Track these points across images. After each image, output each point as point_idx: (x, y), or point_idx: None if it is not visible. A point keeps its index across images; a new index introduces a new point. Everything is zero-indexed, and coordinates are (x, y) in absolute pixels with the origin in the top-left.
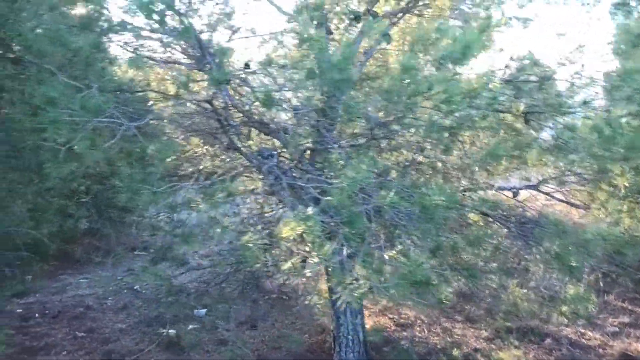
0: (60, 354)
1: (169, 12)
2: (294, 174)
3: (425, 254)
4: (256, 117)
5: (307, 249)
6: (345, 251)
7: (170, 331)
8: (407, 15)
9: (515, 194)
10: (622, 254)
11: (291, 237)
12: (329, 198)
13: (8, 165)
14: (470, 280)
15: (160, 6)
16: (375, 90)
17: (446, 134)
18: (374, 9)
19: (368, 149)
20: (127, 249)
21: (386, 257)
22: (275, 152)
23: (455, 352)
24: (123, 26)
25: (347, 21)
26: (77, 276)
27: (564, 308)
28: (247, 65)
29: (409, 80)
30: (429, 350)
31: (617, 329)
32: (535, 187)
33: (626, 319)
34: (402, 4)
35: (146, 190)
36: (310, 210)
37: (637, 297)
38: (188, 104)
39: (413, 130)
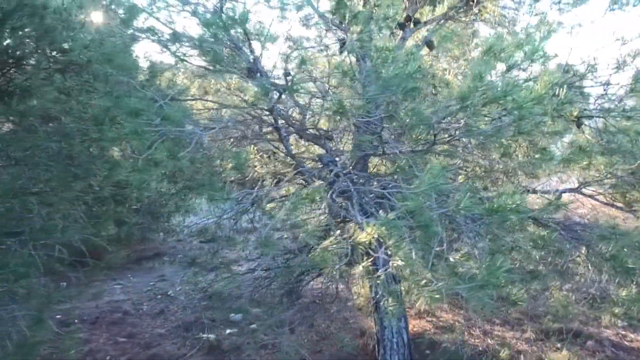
0: (104, 359)
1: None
2: (359, 180)
3: (486, 256)
4: (309, 125)
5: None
6: (419, 254)
7: (209, 336)
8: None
9: (558, 197)
10: None
11: (368, 241)
12: (406, 203)
13: (68, 174)
14: (523, 283)
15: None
16: (444, 97)
17: (507, 139)
18: (416, 16)
19: (425, 154)
20: (154, 255)
21: (452, 259)
22: (335, 159)
23: (503, 354)
24: (178, 38)
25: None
26: (110, 282)
27: (616, 310)
28: (287, 74)
29: (484, 87)
30: (471, 353)
31: None
32: (577, 190)
33: None
34: (442, 11)
35: (218, 197)
36: (391, 215)
37: None
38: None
39: (478, 135)
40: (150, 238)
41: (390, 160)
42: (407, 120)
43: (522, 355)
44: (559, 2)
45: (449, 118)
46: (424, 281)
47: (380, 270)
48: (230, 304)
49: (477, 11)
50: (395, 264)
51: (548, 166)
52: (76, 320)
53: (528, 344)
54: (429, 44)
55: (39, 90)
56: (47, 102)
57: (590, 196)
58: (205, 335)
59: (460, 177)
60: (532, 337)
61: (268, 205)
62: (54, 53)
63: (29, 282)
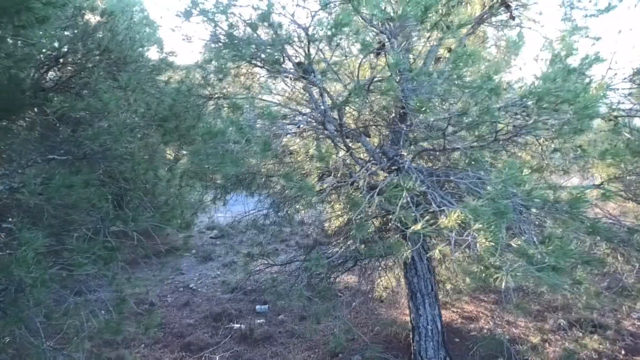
0: (139, 347)
1: None
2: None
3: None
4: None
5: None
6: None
7: (240, 325)
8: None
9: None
10: None
11: (453, 226)
12: (488, 190)
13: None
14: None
15: None
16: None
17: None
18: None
19: (483, 149)
20: (168, 250)
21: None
22: (401, 153)
23: (535, 340)
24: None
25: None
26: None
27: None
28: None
29: (555, 88)
30: (500, 341)
31: None
32: (599, 187)
33: None
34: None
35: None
36: (478, 202)
37: None
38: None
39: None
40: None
41: (442, 155)
42: (477, 118)
43: (546, 344)
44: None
45: (516, 116)
46: (500, 263)
47: (455, 254)
48: (254, 297)
49: (509, 16)
50: (482, 245)
51: (586, 162)
52: (103, 312)
53: (551, 334)
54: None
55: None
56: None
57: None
58: (235, 325)
59: (524, 170)
60: (553, 327)
61: (353, 194)
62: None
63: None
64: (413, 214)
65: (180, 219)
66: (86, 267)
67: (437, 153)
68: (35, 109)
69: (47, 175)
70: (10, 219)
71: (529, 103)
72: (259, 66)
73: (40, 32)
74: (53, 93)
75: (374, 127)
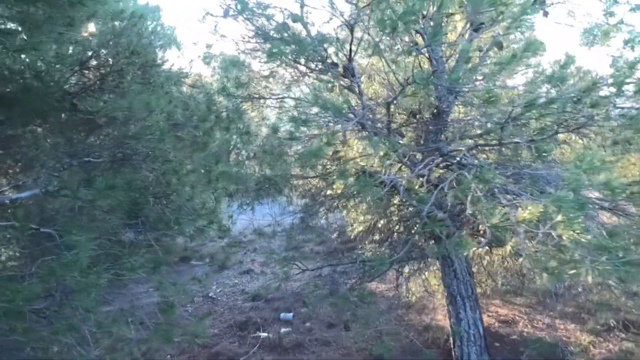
0: (164, 358)
1: None
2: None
3: None
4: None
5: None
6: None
7: (268, 334)
8: None
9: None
10: None
11: (532, 219)
12: (564, 183)
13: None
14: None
15: None
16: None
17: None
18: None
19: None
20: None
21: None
22: (452, 149)
23: (584, 342)
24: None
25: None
26: (144, 285)
27: None
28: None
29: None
30: (542, 344)
31: None
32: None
33: None
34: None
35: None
36: (560, 193)
37: None
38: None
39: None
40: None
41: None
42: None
43: (591, 346)
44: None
45: (580, 107)
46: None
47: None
48: (277, 305)
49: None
50: (566, 237)
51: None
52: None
53: (594, 335)
54: (497, 44)
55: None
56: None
57: None
58: (262, 334)
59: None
60: (594, 329)
61: (417, 188)
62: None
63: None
64: (488, 208)
65: (219, 223)
66: (137, 271)
67: (490, 147)
68: (65, 113)
69: (86, 178)
70: (48, 224)
71: (602, 91)
72: (300, 64)
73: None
74: (84, 95)
75: (408, 126)
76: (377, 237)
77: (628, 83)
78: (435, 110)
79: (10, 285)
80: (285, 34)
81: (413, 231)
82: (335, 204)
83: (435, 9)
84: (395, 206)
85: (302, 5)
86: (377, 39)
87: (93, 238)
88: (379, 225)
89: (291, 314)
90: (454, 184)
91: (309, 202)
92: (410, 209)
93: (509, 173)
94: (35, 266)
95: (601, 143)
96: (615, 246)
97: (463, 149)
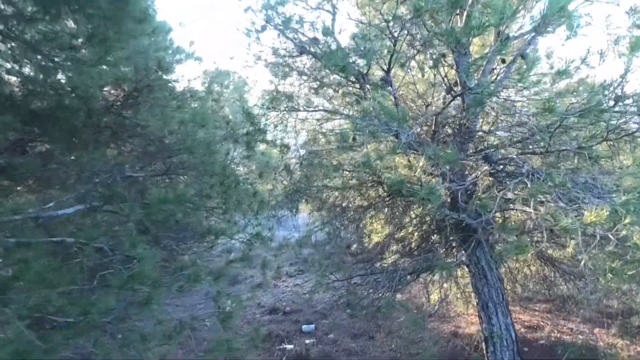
0: None
1: None
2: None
3: None
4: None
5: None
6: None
7: (294, 346)
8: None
9: None
10: None
11: (599, 221)
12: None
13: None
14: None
15: None
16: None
17: None
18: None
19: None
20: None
21: None
22: (510, 156)
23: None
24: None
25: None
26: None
27: None
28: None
29: None
30: (571, 349)
31: None
32: None
33: None
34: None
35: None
36: (626, 197)
37: None
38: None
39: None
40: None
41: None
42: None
43: (613, 349)
44: None
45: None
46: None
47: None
48: (295, 317)
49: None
50: (636, 238)
51: None
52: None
53: (619, 339)
54: (523, 56)
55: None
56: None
57: None
58: (288, 346)
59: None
60: (618, 332)
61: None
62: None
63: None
64: (560, 211)
65: (260, 234)
66: (203, 281)
67: (538, 155)
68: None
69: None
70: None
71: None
72: (342, 76)
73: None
74: (111, 111)
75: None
76: (395, 247)
77: None
78: (465, 122)
79: (81, 300)
80: (329, 48)
81: (439, 239)
82: (360, 216)
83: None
84: (421, 216)
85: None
86: (412, 52)
87: (157, 251)
88: (400, 235)
89: (313, 325)
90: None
91: (338, 213)
92: (445, 218)
93: (591, 177)
94: (96, 280)
95: None
96: None
97: (514, 155)
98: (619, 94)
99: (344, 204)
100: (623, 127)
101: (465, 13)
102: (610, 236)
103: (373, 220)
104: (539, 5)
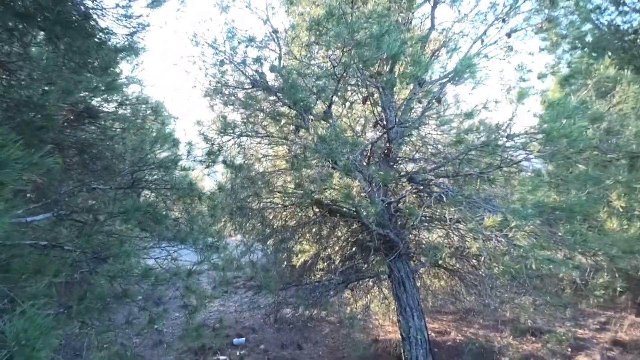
0: None
1: None
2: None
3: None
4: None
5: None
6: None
7: (227, 357)
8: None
9: None
10: None
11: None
12: (515, 199)
13: None
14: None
15: None
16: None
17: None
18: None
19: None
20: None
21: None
22: (426, 178)
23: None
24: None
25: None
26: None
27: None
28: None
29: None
30: (471, 348)
31: (598, 326)
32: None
33: (602, 319)
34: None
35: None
36: (515, 206)
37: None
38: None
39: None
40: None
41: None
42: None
43: (509, 347)
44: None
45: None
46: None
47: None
48: (226, 332)
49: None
50: (519, 237)
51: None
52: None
53: (512, 339)
54: (438, 100)
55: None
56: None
57: None
58: (221, 357)
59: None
60: (510, 335)
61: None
62: None
63: None
64: (467, 216)
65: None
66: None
67: (449, 178)
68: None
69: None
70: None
71: (538, 136)
72: (291, 109)
73: None
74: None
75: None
76: (321, 265)
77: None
78: (387, 150)
79: (79, 289)
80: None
81: (362, 256)
82: (291, 236)
83: (388, 69)
84: (347, 235)
85: (280, 58)
86: (349, 91)
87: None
88: (326, 254)
89: (243, 338)
90: (415, 206)
91: (269, 234)
92: (371, 234)
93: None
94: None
95: (531, 174)
96: (547, 245)
97: (432, 177)
98: (509, 132)
99: (276, 225)
100: (512, 158)
101: (390, 61)
102: (501, 238)
103: (302, 240)
104: (454, 58)
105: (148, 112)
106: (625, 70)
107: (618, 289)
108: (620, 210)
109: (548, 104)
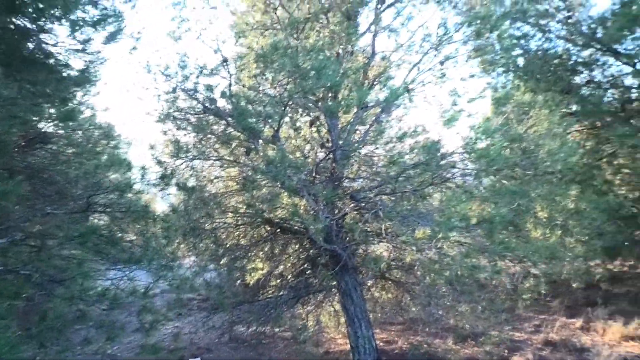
0: None
1: None
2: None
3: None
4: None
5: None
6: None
7: None
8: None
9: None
10: None
11: (424, 237)
12: (442, 213)
13: None
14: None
15: None
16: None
17: None
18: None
19: (423, 190)
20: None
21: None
22: (364, 196)
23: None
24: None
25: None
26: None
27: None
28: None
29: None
30: (416, 353)
31: (532, 329)
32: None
33: (537, 322)
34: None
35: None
36: (440, 219)
37: (536, 309)
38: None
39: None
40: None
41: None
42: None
43: (451, 351)
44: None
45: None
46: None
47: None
48: (181, 353)
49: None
50: (446, 246)
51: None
52: None
53: (454, 344)
54: (378, 122)
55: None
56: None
57: None
58: None
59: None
60: (453, 341)
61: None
62: None
63: None
64: (401, 230)
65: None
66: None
67: (388, 195)
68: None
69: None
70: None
71: (465, 156)
72: (242, 133)
73: None
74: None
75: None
76: (274, 282)
77: (474, 151)
78: (332, 170)
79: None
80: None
81: (312, 272)
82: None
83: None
84: (298, 252)
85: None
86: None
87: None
88: (278, 271)
89: (198, 358)
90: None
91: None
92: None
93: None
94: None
95: (457, 191)
96: (473, 254)
97: (372, 195)
98: (441, 152)
99: (229, 244)
100: (443, 176)
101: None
102: (432, 248)
103: (255, 258)
104: (393, 82)
105: (100, 137)
106: (540, 96)
107: (542, 292)
108: (544, 220)
109: (472, 127)
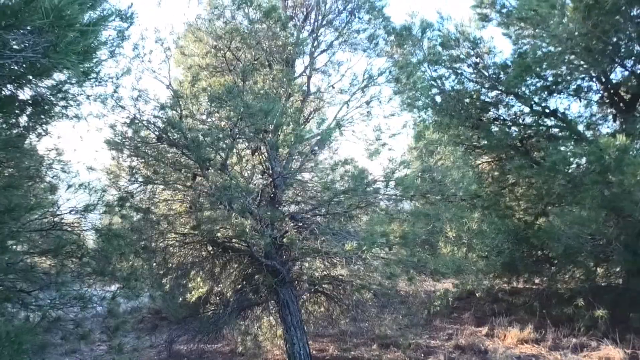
0: None
1: None
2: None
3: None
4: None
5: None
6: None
7: None
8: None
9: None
10: None
11: (351, 250)
12: (364, 230)
13: None
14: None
15: None
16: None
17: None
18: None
19: (351, 211)
20: None
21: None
22: (302, 215)
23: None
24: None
25: None
26: None
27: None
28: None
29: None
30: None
31: (446, 337)
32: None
33: (450, 331)
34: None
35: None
36: (366, 234)
37: (451, 320)
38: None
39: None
40: None
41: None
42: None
43: (375, 357)
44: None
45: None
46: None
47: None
48: None
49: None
50: (369, 257)
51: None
52: None
53: (378, 351)
54: (313, 152)
55: None
56: None
57: None
58: None
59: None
60: (377, 348)
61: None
62: None
63: None
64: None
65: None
66: None
67: (322, 216)
68: None
69: None
70: None
71: (392, 184)
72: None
73: None
74: None
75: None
76: (214, 300)
77: (391, 180)
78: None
79: None
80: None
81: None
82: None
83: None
84: (240, 268)
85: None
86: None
87: None
88: (218, 289)
89: None
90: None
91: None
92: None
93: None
94: None
95: (380, 213)
96: (392, 264)
97: (309, 215)
98: (367, 180)
99: (173, 265)
100: (368, 200)
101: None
102: (358, 259)
103: (197, 277)
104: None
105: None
106: (446, 135)
107: (450, 299)
108: (452, 239)
109: (392, 159)
